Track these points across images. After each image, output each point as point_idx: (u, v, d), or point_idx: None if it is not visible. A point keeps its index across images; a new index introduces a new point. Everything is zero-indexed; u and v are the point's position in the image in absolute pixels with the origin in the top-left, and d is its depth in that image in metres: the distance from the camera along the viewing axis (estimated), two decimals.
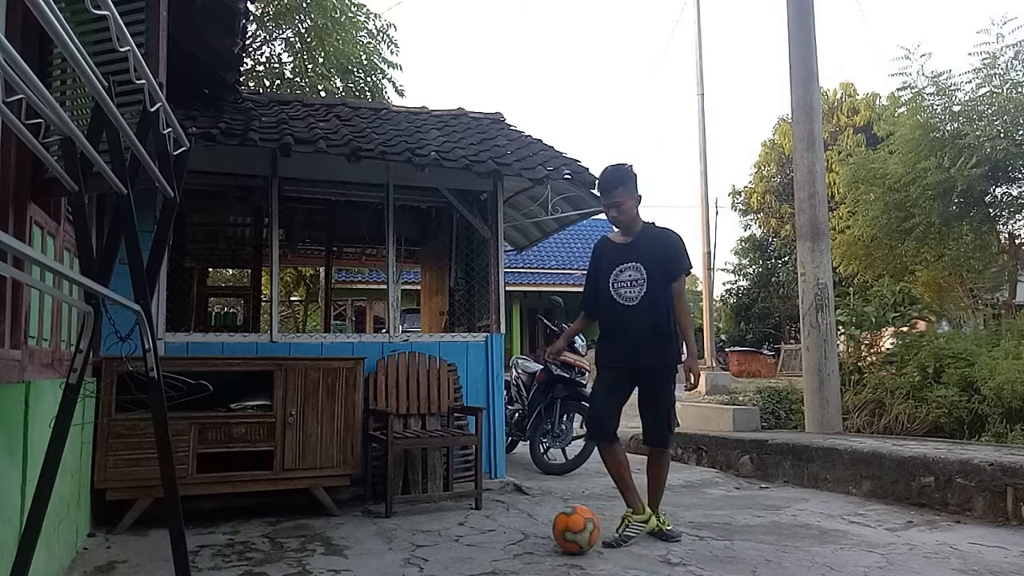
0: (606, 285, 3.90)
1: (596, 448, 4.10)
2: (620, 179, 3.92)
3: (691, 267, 3.99)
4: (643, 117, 70.24)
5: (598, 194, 4.26)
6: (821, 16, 10.21)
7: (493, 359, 5.52)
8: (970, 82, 8.76)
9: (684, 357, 3.88)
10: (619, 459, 3.89)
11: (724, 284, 27.07)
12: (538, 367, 6.59)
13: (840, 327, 8.02)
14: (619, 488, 3.92)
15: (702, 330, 18.00)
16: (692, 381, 3.81)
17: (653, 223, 4.03)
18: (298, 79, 11.00)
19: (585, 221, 7.61)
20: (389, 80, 11.71)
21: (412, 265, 8.83)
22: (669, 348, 3.81)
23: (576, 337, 5.67)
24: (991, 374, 6.16)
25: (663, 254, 3.88)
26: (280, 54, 11.38)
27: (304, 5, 10.26)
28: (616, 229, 4.12)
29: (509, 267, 6.08)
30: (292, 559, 3.45)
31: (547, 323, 6.88)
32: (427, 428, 5.02)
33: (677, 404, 4.02)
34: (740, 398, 8.76)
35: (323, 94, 10.30)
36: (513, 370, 6.90)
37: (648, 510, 3.88)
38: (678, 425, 3.95)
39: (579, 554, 3.52)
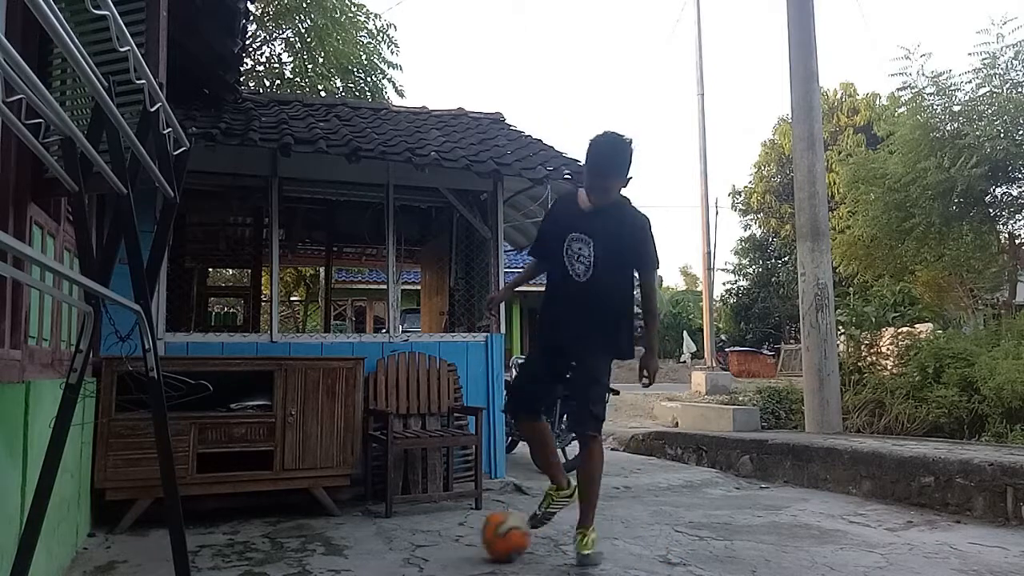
0: (560, 250, 3.45)
1: (517, 423, 3.64)
2: (622, 163, 3.35)
3: (659, 264, 3.56)
4: (643, 116, 70.26)
5: (586, 168, 3.45)
6: (821, 16, 10.21)
7: (493, 359, 5.52)
8: (970, 82, 8.78)
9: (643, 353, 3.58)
10: (544, 437, 3.62)
11: (724, 284, 27.09)
12: None
13: (840, 327, 8.04)
14: (542, 466, 3.70)
15: (702, 330, 17.99)
16: (647, 380, 3.54)
17: (628, 201, 3.52)
18: (298, 79, 11.01)
19: None
20: (389, 80, 11.76)
21: (412, 265, 8.84)
22: (611, 337, 3.45)
23: None
24: (991, 374, 6.17)
25: (623, 241, 3.41)
26: (280, 54, 11.43)
27: (304, 5, 10.28)
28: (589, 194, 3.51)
29: (509, 267, 6.07)
30: (292, 559, 3.45)
31: None
32: (427, 428, 5.02)
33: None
34: (740, 398, 8.78)
35: (323, 94, 10.32)
36: (513, 370, 6.90)
37: (573, 483, 3.52)
38: (604, 417, 3.49)
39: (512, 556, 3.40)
